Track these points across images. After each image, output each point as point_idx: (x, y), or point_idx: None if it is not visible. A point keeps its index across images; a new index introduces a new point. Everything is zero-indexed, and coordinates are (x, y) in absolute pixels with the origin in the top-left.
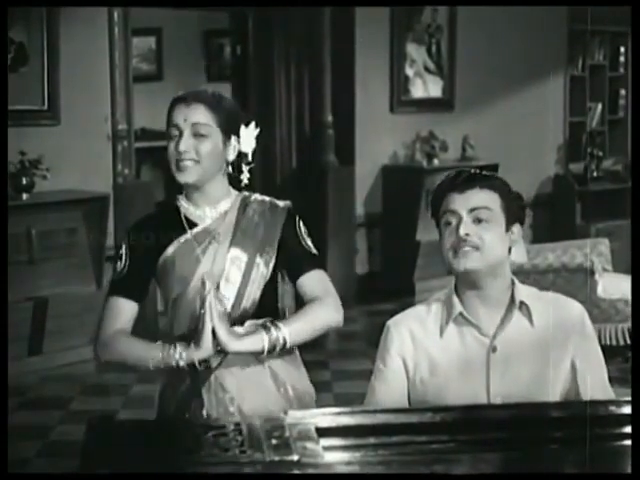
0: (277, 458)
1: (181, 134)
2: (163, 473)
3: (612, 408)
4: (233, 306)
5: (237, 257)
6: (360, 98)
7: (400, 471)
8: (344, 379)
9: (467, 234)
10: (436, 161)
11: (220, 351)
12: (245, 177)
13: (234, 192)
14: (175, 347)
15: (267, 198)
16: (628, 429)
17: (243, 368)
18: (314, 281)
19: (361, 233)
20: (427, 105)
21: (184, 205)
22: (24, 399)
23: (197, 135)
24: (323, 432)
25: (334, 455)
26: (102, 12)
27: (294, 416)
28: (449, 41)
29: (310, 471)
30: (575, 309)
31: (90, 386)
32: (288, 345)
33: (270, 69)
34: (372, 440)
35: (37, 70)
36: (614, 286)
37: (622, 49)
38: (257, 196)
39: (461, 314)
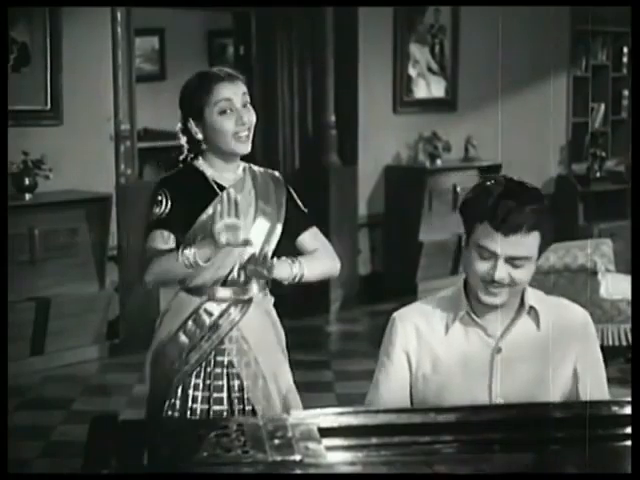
0: (279, 458)
1: (232, 110)
2: (165, 473)
3: (612, 408)
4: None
5: (263, 219)
6: (363, 98)
7: (402, 471)
8: (346, 379)
9: (502, 278)
10: (439, 161)
11: (241, 301)
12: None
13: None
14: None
15: (263, 169)
16: (628, 429)
17: (258, 324)
18: (311, 238)
19: (364, 233)
20: (430, 105)
21: (209, 170)
22: (26, 399)
23: (245, 106)
24: (325, 432)
25: (336, 455)
26: (105, 12)
27: (296, 416)
28: (452, 41)
29: (312, 471)
30: (579, 315)
31: (92, 386)
32: (304, 279)
33: (273, 69)
34: (374, 440)
35: (40, 70)
36: (616, 286)
37: (625, 49)
38: (255, 167)
39: (467, 314)
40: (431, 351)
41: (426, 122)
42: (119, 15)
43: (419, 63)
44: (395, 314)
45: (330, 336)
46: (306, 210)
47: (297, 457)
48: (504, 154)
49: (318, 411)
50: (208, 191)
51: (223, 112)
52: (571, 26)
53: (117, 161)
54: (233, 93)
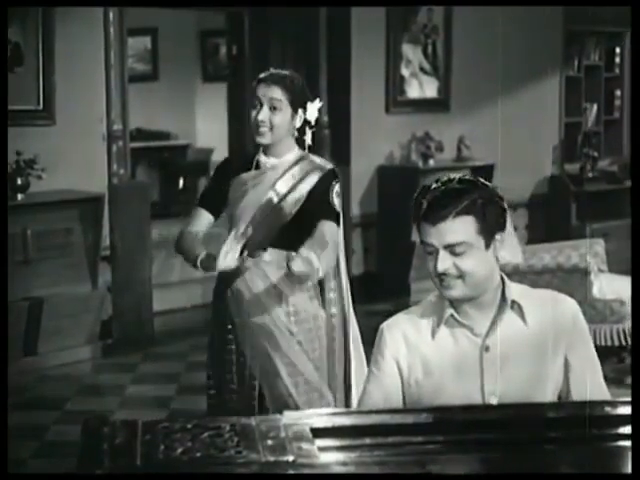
0: (272, 459)
1: (261, 106)
2: (159, 473)
3: (609, 409)
4: (259, 232)
5: (274, 193)
6: (356, 99)
7: (396, 472)
8: None
9: (446, 269)
10: (432, 161)
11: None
12: (308, 138)
13: (297, 150)
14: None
15: (320, 160)
16: (626, 429)
17: (257, 286)
18: (324, 226)
19: (357, 233)
20: (423, 105)
21: (260, 154)
22: (20, 399)
23: (273, 108)
24: (318, 433)
25: (329, 456)
26: (97, 12)
27: (290, 417)
28: (445, 42)
29: (305, 472)
30: (567, 304)
31: (86, 386)
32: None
33: (266, 69)
34: (368, 441)
35: (32, 70)
36: (609, 287)
37: (617, 50)
38: (314, 158)
39: (452, 316)
40: (421, 356)
41: (419, 122)
42: (112, 15)
43: (412, 63)
44: (383, 324)
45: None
46: (337, 208)
47: (290, 457)
48: (497, 154)
49: (311, 411)
50: (248, 168)
51: (254, 106)
52: (564, 26)
53: (110, 161)
54: (263, 94)
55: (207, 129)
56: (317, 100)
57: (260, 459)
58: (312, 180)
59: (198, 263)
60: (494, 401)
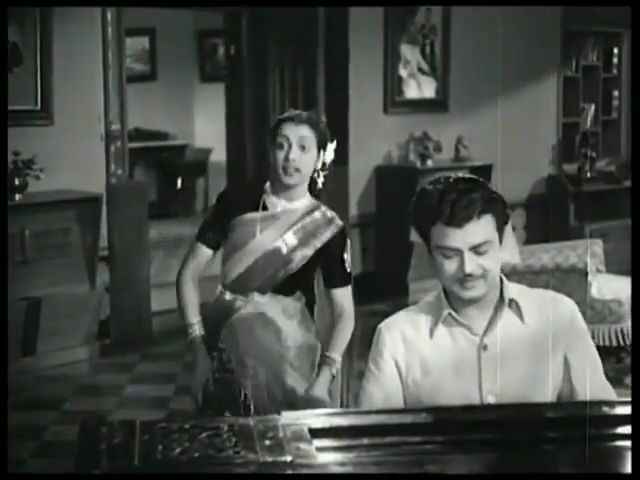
0: (270, 459)
1: (290, 146)
2: (157, 473)
3: (607, 409)
4: (263, 275)
5: (283, 245)
6: (354, 99)
7: (393, 472)
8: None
9: (473, 270)
10: (430, 162)
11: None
12: (320, 181)
13: (308, 196)
14: (194, 329)
15: (331, 214)
16: (626, 429)
17: (252, 322)
18: (343, 296)
19: (355, 233)
20: (421, 106)
21: (268, 192)
22: (18, 399)
23: (302, 148)
24: (316, 433)
25: (327, 456)
26: (95, 12)
27: (288, 417)
28: (443, 42)
29: (303, 472)
30: (565, 304)
31: (83, 386)
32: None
33: (264, 69)
34: (365, 441)
35: (30, 70)
36: (608, 287)
37: (615, 50)
38: (325, 208)
39: (450, 315)
40: (419, 355)
41: (417, 122)
42: (110, 15)
43: (410, 63)
44: (381, 324)
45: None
46: (349, 269)
47: (288, 458)
48: (495, 154)
49: (309, 412)
50: (253, 207)
51: (279, 146)
52: (562, 26)
53: (108, 161)
54: (292, 133)
55: (205, 129)
56: (334, 141)
57: (258, 459)
58: (324, 237)
59: (187, 340)
60: (492, 400)
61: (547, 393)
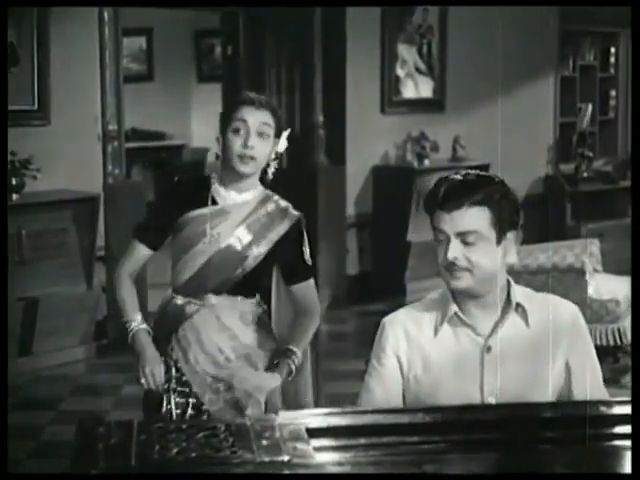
0: (267, 459)
1: (248, 132)
2: (154, 473)
3: (605, 408)
4: (217, 275)
5: (236, 242)
6: (351, 98)
7: (391, 472)
8: (334, 379)
9: (455, 258)
10: (427, 161)
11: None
12: (271, 172)
13: (260, 187)
14: (134, 323)
15: (284, 204)
16: (625, 429)
17: (206, 328)
18: (306, 290)
19: (352, 233)
20: (418, 105)
21: (216, 185)
22: (14, 399)
23: (261, 135)
24: (313, 433)
25: (325, 456)
26: (92, 12)
27: (285, 416)
28: (440, 42)
29: (301, 471)
30: (569, 309)
31: (81, 387)
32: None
33: (261, 69)
34: (363, 441)
35: (27, 70)
36: (605, 287)
37: (613, 50)
38: (278, 198)
39: (456, 314)
40: (421, 352)
41: (414, 122)
42: (106, 15)
43: (407, 63)
44: (385, 319)
45: (318, 336)
46: (310, 261)
47: (285, 457)
48: (492, 154)
49: (306, 411)
50: (202, 201)
51: (236, 131)
52: (559, 26)
53: (105, 161)
54: (251, 117)
55: (202, 129)
56: (288, 130)
57: (255, 459)
58: (280, 229)
59: (129, 337)
60: (492, 401)
61: (547, 396)
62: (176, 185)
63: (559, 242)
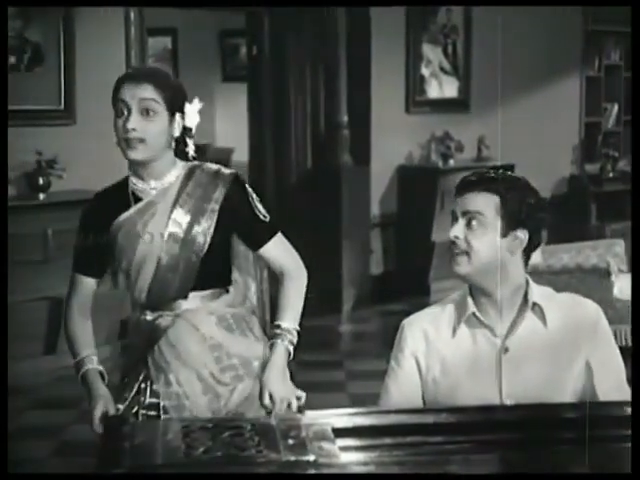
0: (293, 458)
1: (129, 111)
2: (178, 473)
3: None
4: (175, 275)
5: (176, 229)
6: (375, 98)
7: (415, 471)
8: (358, 379)
9: (456, 237)
10: (451, 161)
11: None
12: (191, 149)
13: (181, 163)
14: (84, 363)
15: (214, 167)
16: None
17: (184, 342)
18: (276, 249)
19: (376, 233)
20: (443, 105)
21: (132, 181)
22: (38, 398)
23: (145, 112)
24: (339, 432)
25: (350, 455)
26: (118, 12)
27: (310, 416)
28: (465, 41)
29: (326, 471)
30: (590, 308)
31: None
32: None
33: (285, 69)
34: (387, 440)
35: (53, 70)
36: (629, 287)
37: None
38: (205, 165)
39: (474, 314)
40: (440, 354)
41: (439, 122)
42: (132, 15)
43: (432, 63)
44: (404, 321)
45: (342, 336)
46: (267, 216)
47: (311, 457)
48: (517, 154)
49: (331, 411)
50: (125, 205)
51: (118, 113)
52: (584, 26)
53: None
54: (130, 96)
55: (227, 129)
56: (196, 101)
57: (281, 459)
58: (217, 195)
59: (78, 377)
60: (511, 403)
61: (567, 397)
62: (92, 201)
63: (583, 242)
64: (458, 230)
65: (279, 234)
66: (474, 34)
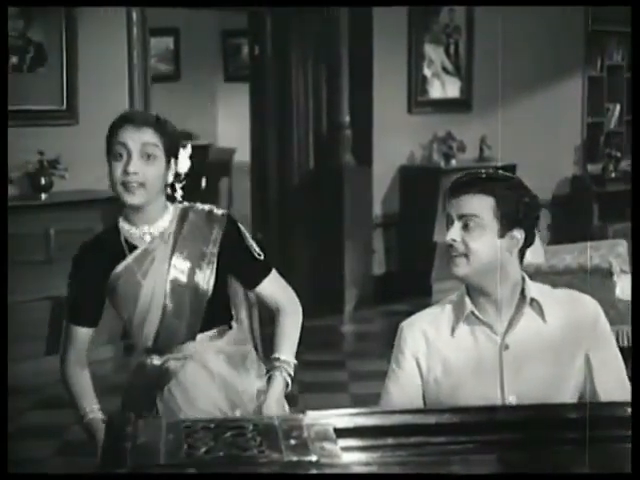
0: (295, 458)
1: (129, 155)
2: (180, 473)
3: (614, 410)
4: (182, 320)
5: (178, 275)
6: (377, 98)
7: (417, 472)
8: (361, 380)
9: (453, 240)
10: (454, 161)
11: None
12: (179, 195)
13: (172, 207)
14: (87, 414)
15: (206, 207)
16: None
17: (195, 383)
18: (272, 287)
19: (378, 233)
20: (445, 105)
21: (125, 227)
22: (41, 398)
23: (145, 157)
24: (341, 433)
25: (352, 456)
26: (120, 12)
27: (312, 416)
28: (467, 41)
29: (328, 471)
30: (588, 304)
31: (107, 385)
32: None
33: (288, 69)
34: (390, 441)
35: (56, 70)
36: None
37: None
38: (197, 206)
39: (472, 313)
40: (440, 354)
41: (441, 122)
42: (134, 15)
43: (434, 63)
44: (402, 323)
45: (344, 336)
46: (260, 255)
47: (313, 457)
48: (519, 154)
49: (333, 411)
50: (118, 253)
51: (116, 156)
52: (586, 26)
53: None
54: (131, 139)
55: (229, 129)
56: (188, 146)
57: (282, 459)
58: (214, 236)
59: (82, 423)
60: (513, 400)
61: (568, 393)
62: (83, 251)
63: (586, 242)
64: (455, 233)
65: (274, 271)
66: (476, 34)
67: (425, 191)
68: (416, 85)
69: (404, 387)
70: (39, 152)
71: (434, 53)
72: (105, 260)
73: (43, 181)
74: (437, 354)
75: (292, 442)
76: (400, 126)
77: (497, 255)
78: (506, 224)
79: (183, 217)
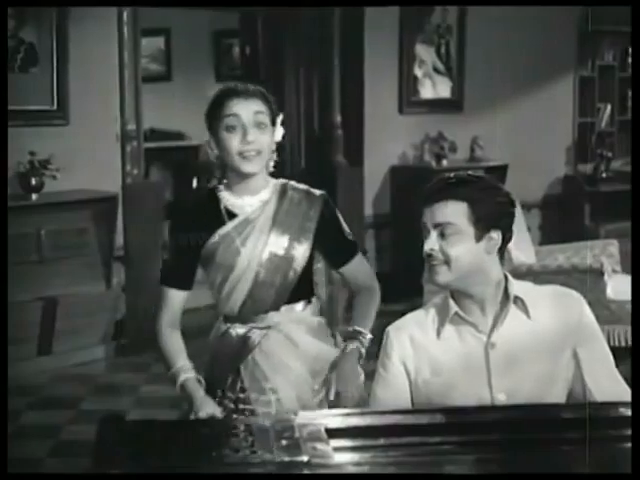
0: (287, 459)
1: (244, 125)
2: (173, 473)
3: (614, 409)
4: (271, 290)
5: (276, 247)
6: (369, 99)
7: (410, 472)
8: None
9: (432, 249)
10: (445, 162)
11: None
12: (271, 165)
13: (272, 180)
14: (180, 372)
15: (303, 186)
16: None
17: (278, 352)
18: (357, 269)
19: (370, 234)
20: (436, 106)
21: (225, 196)
22: (34, 399)
23: (258, 126)
24: (333, 433)
25: (344, 456)
26: (111, 12)
27: (304, 417)
28: (458, 42)
29: (320, 472)
30: (572, 298)
31: (100, 386)
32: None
33: (279, 69)
34: (382, 441)
35: (47, 71)
36: (624, 287)
37: (630, 50)
38: (293, 184)
39: (457, 314)
40: (428, 356)
41: (432, 122)
42: (125, 15)
43: (425, 63)
44: (388, 328)
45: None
46: (352, 236)
47: (305, 458)
48: (511, 154)
49: (325, 412)
50: (217, 220)
51: (229, 128)
52: (577, 26)
53: (123, 161)
54: (243, 109)
55: None
56: (281, 115)
57: (275, 459)
58: (312, 214)
59: (177, 386)
60: (503, 398)
61: (558, 389)
62: (183, 215)
63: (577, 243)
64: (432, 243)
65: (360, 254)
66: (468, 34)
67: (417, 191)
68: (407, 85)
69: (392, 391)
70: (30, 152)
71: (425, 53)
72: (204, 226)
73: (34, 181)
74: (424, 356)
75: (284, 442)
76: (391, 126)
77: (477, 259)
78: (482, 227)
79: (283, 192)
